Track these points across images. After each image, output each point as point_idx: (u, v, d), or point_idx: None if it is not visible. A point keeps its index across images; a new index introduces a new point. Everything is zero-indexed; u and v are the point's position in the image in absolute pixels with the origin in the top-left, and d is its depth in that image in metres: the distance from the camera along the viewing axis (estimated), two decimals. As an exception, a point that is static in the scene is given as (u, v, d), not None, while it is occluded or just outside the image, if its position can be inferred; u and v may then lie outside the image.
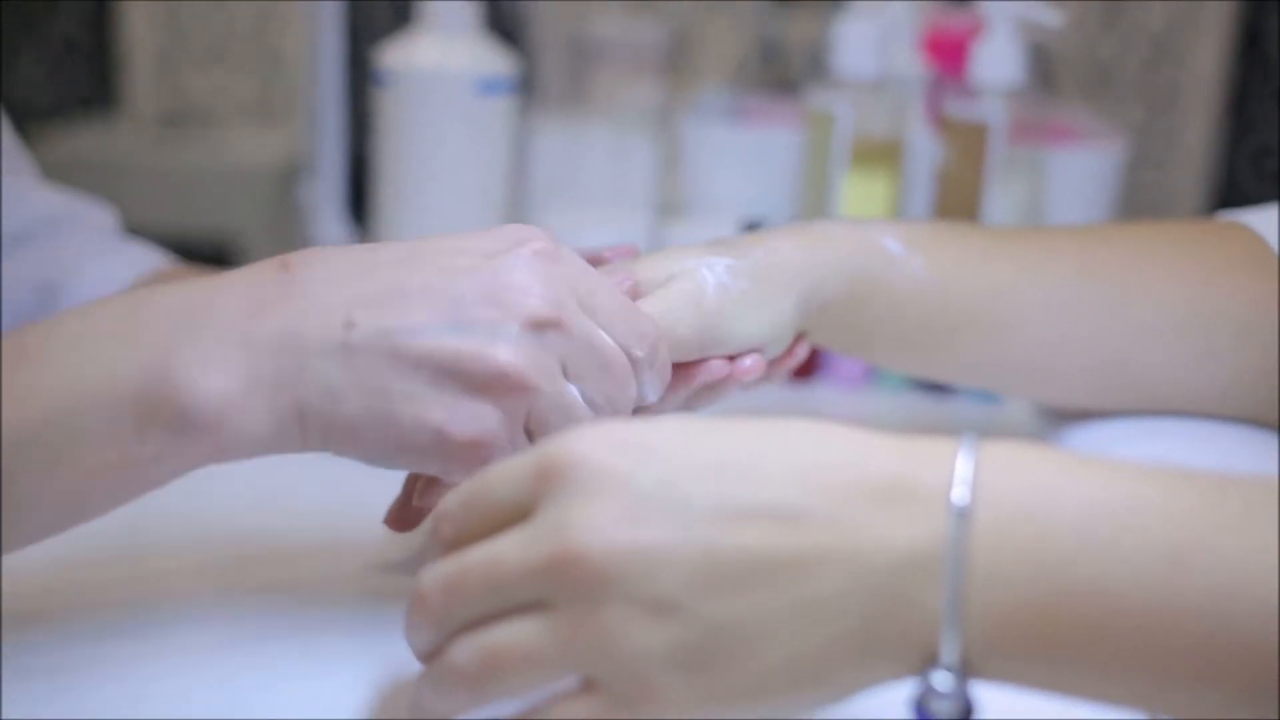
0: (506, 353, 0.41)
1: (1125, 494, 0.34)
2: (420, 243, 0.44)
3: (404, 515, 0.49)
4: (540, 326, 0.42)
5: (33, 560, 0.48)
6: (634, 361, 0.45)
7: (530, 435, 0.44)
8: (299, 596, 0.48)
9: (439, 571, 0.37)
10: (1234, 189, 1.68)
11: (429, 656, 0.38)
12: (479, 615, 0.36)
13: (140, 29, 2.00)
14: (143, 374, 0.40)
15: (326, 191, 1.00)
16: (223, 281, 0.42)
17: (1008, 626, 0.33)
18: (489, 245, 0.44)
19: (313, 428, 0.41)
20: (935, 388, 0.74)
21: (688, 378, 0.51)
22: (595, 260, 0.51)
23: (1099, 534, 0.33)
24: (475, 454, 0.42)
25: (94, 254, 0.65)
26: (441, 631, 0.37)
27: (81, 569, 0.49)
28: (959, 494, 0.34)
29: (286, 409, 0.41)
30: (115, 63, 2.03)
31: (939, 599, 0.33)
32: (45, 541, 0.44)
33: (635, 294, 0.50)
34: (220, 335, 0.40)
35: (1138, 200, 1.70)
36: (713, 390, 0.53)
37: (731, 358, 0.51)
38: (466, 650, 0.36)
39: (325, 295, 0.41)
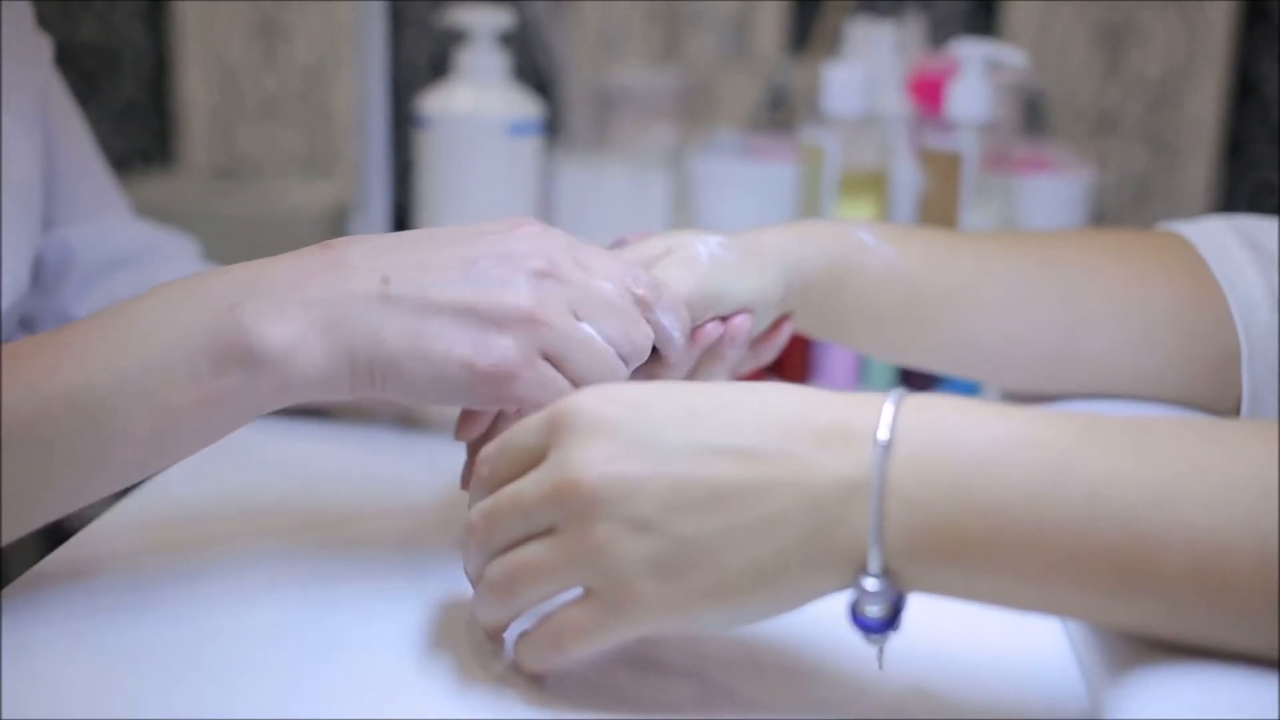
0: (516, 294, 0.49)
1: (1016, 428, 0.41)
2: (435, 230, 0.52)
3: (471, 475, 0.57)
4: (542, 276, 0.50)
5: (119, 519, 0.57)
6: (639, 300, 0.53)
7: (555, 366, 0.50)
8: (346, 551, 0.56)
9: (482, 506, 0.46)
10: (1234, 226, 1.73)
11: (479, 579, 0.46)
12: (510, 540, 0.44)
13: (196, 88, 2.10)
14: (214, 326, 0.47)
15: (373, 229, 1.09)
16: (273, 260, 0.50)
17: (921, 542, 0.40)
18: (492, 227, 0.52)
19: (360, 367, 0.49)
20: (919, 385, 0.81)
21: (690, 342, 0.57)
22: (618, 243, 0.60)
23: (994, 460, 0.40)
24: (499, 381, 0.49)
25: (183, 275, 0.74)
26: (485, 555, 0.45)
27: (156, 533, 0.57)
28: (882, 432, 0.41)
29: (337, 350, 0.48)
30: (173, 120, 2.13)
31: (865, 520, 0.41)
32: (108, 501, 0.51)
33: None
34: (276, 294, 0.48)
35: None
36: (714, 355, 0.59)
37: (724, 320, 0.58)
38: (498, 568, 0.45)
39: (362, 264, 0.49)
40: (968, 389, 0.79)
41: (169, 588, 0.52)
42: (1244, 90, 1.76)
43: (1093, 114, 1.79)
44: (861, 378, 0.82)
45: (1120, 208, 1.78)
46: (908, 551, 0.41)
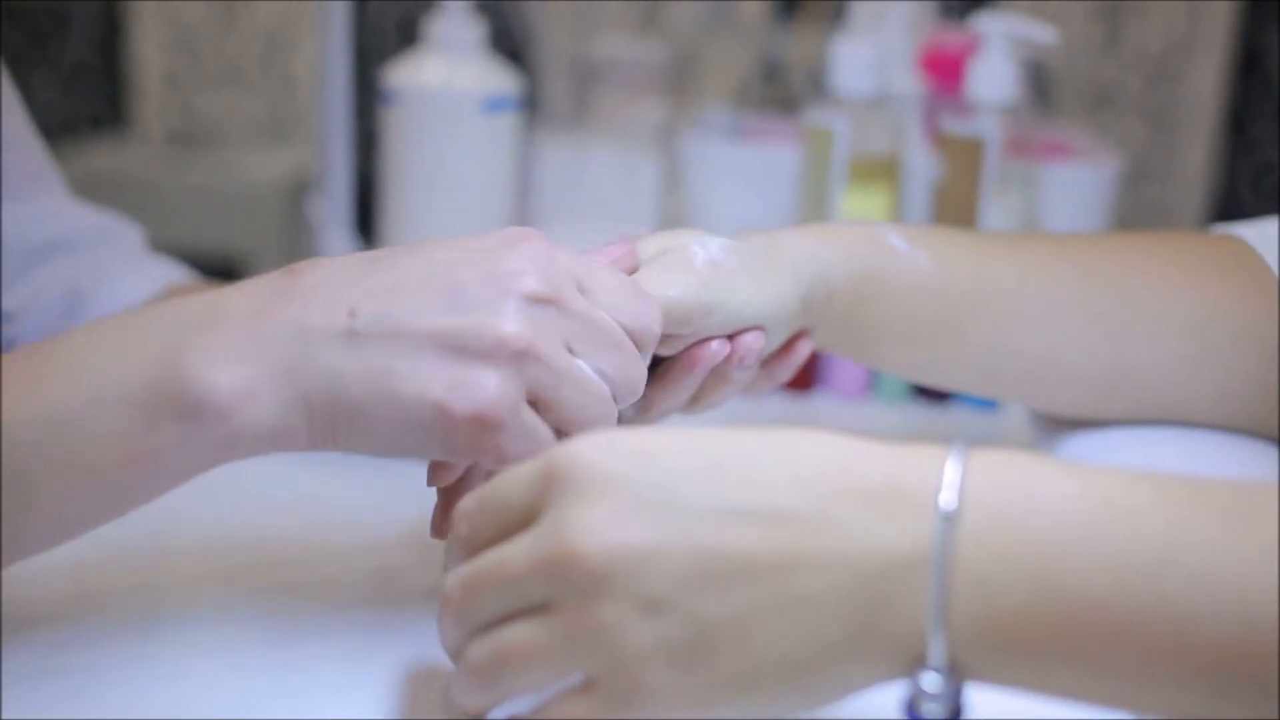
0: (507, 322, 0.42)
1: (1107, 499, 0.35)
2: (417, 244, 0.45)
3: (445, 524, 0.49)
4: (538, 302, 0.43)
5: (43, 565, 0.50)
6: (644, 336, 0.46)
7: (546, 411, 0.44)
8: (310, 600, 0.50)
9: (460, 573, 0.38)
10: (1234, 205, 1.70)
11: (457, 654, 0.39)
12: (494, 615, 0.37)
13: (149, 51, 2.02)
14: (152, 369, 0.41)
15: (334, 208, 1.01)
16: (230, 288, 0.44)
17: (992, 628, 0.34)
18: (484, 243, 0.45)
19: (318, 416, 0.42)
20: (934, 398, 0.75)
21: (690, 361, 0.50)
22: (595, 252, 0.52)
23: (1081, 537, 0.34)
24: (478, 429, 0.42)
25: (120, 266, 0.67)
26: (463, 630, 0.38)
27: (96, 574, 0.51)
28: (946, 499, 0.35)
29: (293, 397, 0.41)
30: (125, 83, 2.05)
31: (925, 601, 0.34)
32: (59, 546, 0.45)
33: (631, 259, 0.51)
34: (227, 331, 0.42)
35: (1139, 216, 1.72)
36: (719, 378, 0.52)
37: (732, 338, 0.51)
38: (480, 648, 0.38)
39: (328, 291, 0.43)
40: (985, 407, 0.73)
41: (98, 648, 0.45)
42: (1247, 64, 1.70)
43: (1089, 89, 1.73)
44: (871, 390, 0.75)
45: (1117, 188, 1.73)
46: (974, 639, 0.35)
